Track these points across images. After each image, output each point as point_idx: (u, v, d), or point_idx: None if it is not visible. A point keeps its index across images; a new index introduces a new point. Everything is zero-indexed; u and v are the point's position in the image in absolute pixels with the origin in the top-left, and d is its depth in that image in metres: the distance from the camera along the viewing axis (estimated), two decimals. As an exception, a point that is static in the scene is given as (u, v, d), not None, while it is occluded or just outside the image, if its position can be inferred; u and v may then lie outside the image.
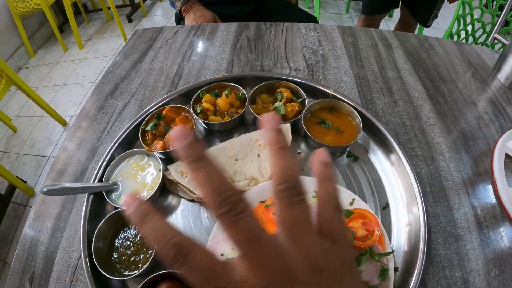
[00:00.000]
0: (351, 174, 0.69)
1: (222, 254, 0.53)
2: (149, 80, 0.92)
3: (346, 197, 0.61)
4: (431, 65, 0.95)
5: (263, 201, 0.60)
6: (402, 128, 0.78)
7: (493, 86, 0.90)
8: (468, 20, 1.18)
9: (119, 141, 0.72)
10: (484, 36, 1.21)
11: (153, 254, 0.56)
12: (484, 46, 1.27)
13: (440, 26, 2.62)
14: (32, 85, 2.02)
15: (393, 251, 0.55)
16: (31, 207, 2.12)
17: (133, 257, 0.58)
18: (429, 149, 0.74)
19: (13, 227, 1.85)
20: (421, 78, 0.91)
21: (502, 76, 0.89)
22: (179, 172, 0.63)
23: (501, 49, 0.94)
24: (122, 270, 0.57)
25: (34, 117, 2.32)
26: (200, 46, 1.02)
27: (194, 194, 0.61)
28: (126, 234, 0.61)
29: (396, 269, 0.54)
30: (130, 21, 2.98)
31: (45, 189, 0.60)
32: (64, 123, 2.19)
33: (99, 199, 0.67)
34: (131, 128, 0.74)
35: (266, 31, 1.02)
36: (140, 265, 0.56)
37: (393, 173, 0.68)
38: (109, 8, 2.93)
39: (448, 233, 0.61)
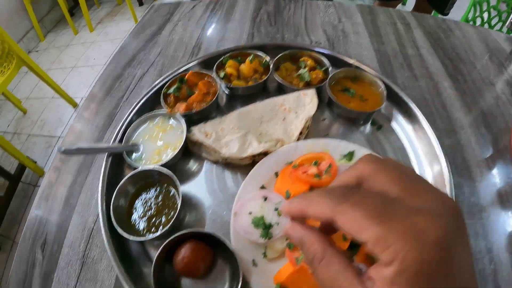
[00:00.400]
0: (375, 142, 0.66)
1: (250, 213, 0.50)
2: (168, 50, 0.88)
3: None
4: (449, 45, 0.92)
5: (290, 162, 0.57)
6: (423, 102, 0.75)
7: (510, 69, 0.87)
8: (485, 7, 1.14)
9: (139, 104, 0.69)
10: (500, 24, 1.18)
11: (174, 216, 0.52)
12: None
13: (455, 13, 2.53)
14: (42, 67, 1.96)
15: None
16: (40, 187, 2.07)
17: (153, 219, 0.55)
18: (450, 123, 0.71)
19: (22, 206, 1.81)
20: (440, 57, 0.87)
21: (519, 59, 0.86)
22: (203, 133, 0.60)
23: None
24: (142, 232, 0.54)
25: (44, 98, 2.27)
26: (219, 19, 0.98)
27: (220, 154, 0.58)
28: (147, 196, 0.57)
29: None
30: (141, 4, 2.90)
31: (63, 148, 0.57)
32: (74, 105, 2.14)
33: (118, 162, 0.64)
34: (151, 92, 0.70)
35: (285, 6, 0.98)
36: (161, 227, 0.53)
37: (417, 142, 0.65)
38: (120, -10, 2.86)
39: (472, 203, 0.59)
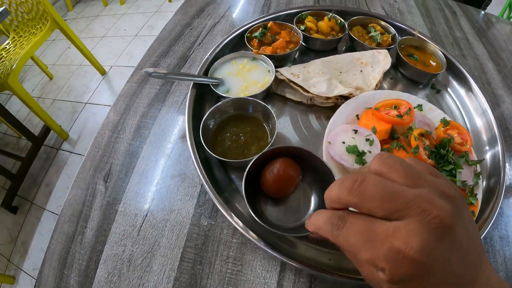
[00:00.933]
0: (435, 102, 0.69)
1: (343, 142, 0.52)
2: (237, 5, 0.88)
3: (439, 114, 0.61)
4: (491, 35, 0.95)
5: (369, 108, 0.59)
6: (472, 77, 0.78)
7: None
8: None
9: (221, 45, 0.69)
10: None
11: (269, 144, 0.50)
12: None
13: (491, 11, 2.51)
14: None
15: (483, 159, 0.56)
16: (64, 150, 2.02)
17: (242, 148, 0.53)
18: (495, 98, 0.75)
19: (44, 169, 1.75)
20: (483, 43, 0.91)
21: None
22: (291, 73, 0.61)
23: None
24: (229, 156, 0.52)
25: (71, 65, 2.21)
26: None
27: (307, 93, 0.59)
28: (238, 126, 0.56)
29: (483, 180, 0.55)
30: None
31: (150, 71, 0.54)
32: (103, 72, 2.09)
33: (198, 96, 0.63)
34: (233, 35, 0.71)
35: (344, -18, 0.99)
36: (247, 154, 0.51)
37: (471, 106, 0.69)
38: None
39: None
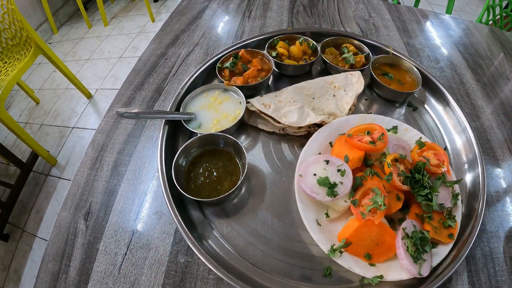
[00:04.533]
0: (411, 121, 0.70)
1: (314, 174, 0.53)
2: (212, 33, 0.91)
3: (415, 134, 0.62)
4: (468, 42, 0.98)
5: (342, 134, 0.60)
6: (449, 90, 0.79)
7: None
8: (497, 11, 1.22)
9: (193, 77, 0.71)
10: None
11: (240, 179, 0.53)
12: None
13: (469, 16, 2.58)
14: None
15: (461, 179, 0.56)
16: (53, 176, 2.04)
17: (215, 184, 0.55)
18: (474, 109, 0.77)
19: (34, 195, 1.76)
20: (461, 52, 0.93)
21: (533, 56, 0.92)
22: (262, 104, 0.63)
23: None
24: (202, 194, 0.54)
25: (58, 89, 2.24)
26: (258, 8, 1.02)
27: (278, 123, 0.60)
28: (208, 162, 0.58)
29: (461, 201, 0.56)
30: (155, 0, 2.91)
31: (122, 111, 0.56)
32: (89, 96, 2.12)
33: (171, 132, 0.65)
34: (205, 66, 0.73)
35: (319, 0, 1.02)
36: (220, 190, 0.54)
37: (448, 122, 0.70)
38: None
39: (498, 176, 0.64)
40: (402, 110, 0.73)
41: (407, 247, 0.48)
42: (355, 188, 0.53)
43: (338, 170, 0.53)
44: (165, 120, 0.64)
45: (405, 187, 0.52)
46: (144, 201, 0.57)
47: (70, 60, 2.41)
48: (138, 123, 0.71)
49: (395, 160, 0.55)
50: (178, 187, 0.52)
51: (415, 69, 0.74)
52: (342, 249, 0.49)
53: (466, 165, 0.63)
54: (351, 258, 0.49)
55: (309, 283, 0.49)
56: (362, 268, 0.48)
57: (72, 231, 0.54)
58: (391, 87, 0.70)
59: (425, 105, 0.74)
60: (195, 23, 0.95)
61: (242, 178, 0.53)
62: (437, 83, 0.74)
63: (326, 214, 0.53)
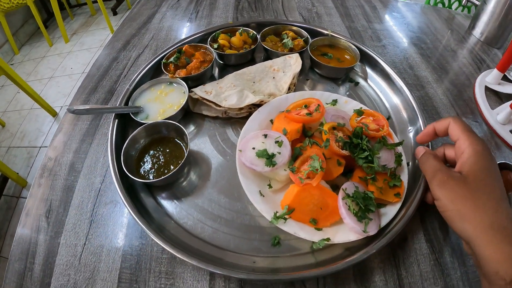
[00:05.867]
0: (354, 95, 0.77)
1: (253, 148, 0.57)
2: (160, 34, 0.96)
3: (355, 105, 0.68)
4: (413, 22, 1.06)
5: (282, 111, 0.65)
6: (392, 64, 0.87)
7: (470, 40, 1.00)
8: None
9: (140, 74, 0.76)
10: (460, 8, 1.37)
11: (183, 161, 0.57)
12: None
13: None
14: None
15: (402, 141, 0.61)
16: (24, 198, 2.03)
17: (162, 169, 0.59)
18: (418, 80, 0.84)
19: (6, 220, 1.75)
20: (405, 30, 1.01)
21: (477, 32, 1.00)
22: (204, 91, 0.68)
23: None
24: (150, 178, 0.58)
25: (22, 110, 2.23)
26: (204, 8, 1.08)
27: (220, 107, 0.65)
28: (155, 149, 0.62)
29: (407, 163, 0.61)
30: (115, 13, 2.96)
31: (74, 108, 0.61)
32: (54, 114, 2.13)
33: (122, 126, 0.69)
34: (152, 63, 0.77)
35: (264, -5, 1.10)
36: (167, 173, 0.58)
37: (391, 93, 0.77)
38: (93, 1, 2.90)
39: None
40: (346, 87, 0.79)
41: (349, 206, 0.51)
42: (295, 158, 0.57)
43: (276, 142, 0.58)
44: (115, 115, 0.68)
45: (344, 152, 0.56)
46: (100, 193, 0.62)
47: (33, 79, 2.41)
48: (93, 123, 0.74)
49: (333, 128, 0.60)
50: (126, 171, 0.56)
51: (353, 47, 0.81)
52: (286, 216, 0.52)
53: (410, 128, 0.68)
54: (296, 224, 0.52)
55: (260, 253, 0.52)
56: (308, 233, 0.51)
57: (35, 230, 0.58)
58: (330, 65, 0.77)
59: (368, 80, 0.80)
60: (145, 27, 1.00)
61: (185, 157, 0.57)
62: (377, 57, 0.80)
63: (269, 185, 0.58)
